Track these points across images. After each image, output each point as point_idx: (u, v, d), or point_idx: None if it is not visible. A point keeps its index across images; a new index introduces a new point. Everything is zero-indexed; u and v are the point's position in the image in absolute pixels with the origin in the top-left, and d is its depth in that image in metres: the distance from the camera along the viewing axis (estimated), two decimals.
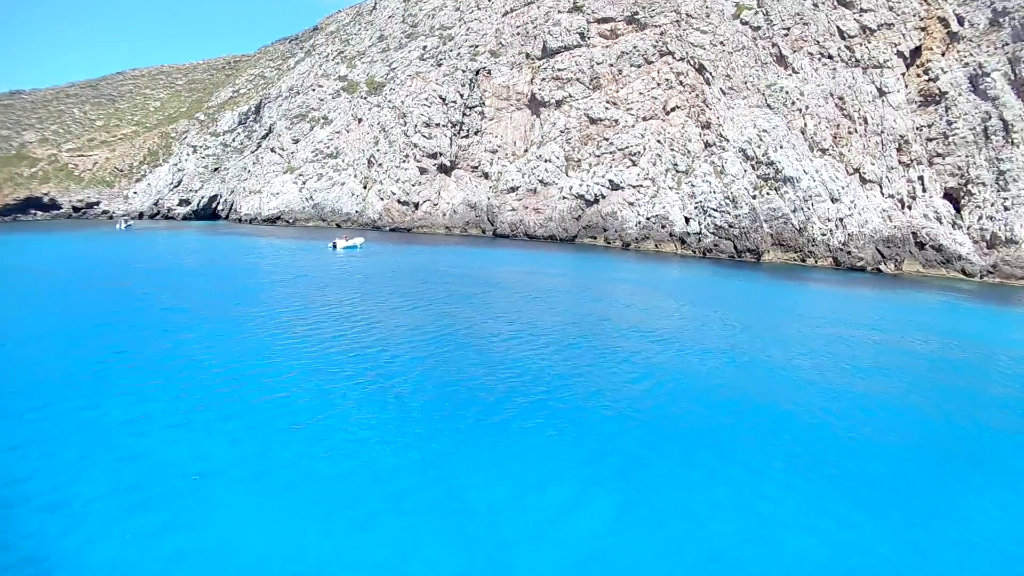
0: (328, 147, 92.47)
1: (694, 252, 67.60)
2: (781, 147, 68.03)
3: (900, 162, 67.94)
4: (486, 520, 11.32)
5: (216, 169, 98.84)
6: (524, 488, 12.55)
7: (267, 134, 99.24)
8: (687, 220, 69.06)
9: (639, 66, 76.18)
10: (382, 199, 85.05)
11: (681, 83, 73.67)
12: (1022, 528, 12.48)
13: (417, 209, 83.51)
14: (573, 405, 17.24)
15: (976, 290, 57.45)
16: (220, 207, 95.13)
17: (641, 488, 12.80)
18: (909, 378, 23.09)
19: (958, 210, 66.69)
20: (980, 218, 65.27)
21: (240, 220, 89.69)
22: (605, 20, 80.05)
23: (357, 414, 15.68)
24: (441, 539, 10.71)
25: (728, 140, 69.89)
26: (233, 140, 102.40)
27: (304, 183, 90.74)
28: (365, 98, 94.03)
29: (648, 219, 70.43)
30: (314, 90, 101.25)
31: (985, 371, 26.02)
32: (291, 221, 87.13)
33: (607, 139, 74.46)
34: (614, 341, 25.26)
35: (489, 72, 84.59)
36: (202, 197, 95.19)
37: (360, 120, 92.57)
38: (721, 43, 73.81)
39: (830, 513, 12.40)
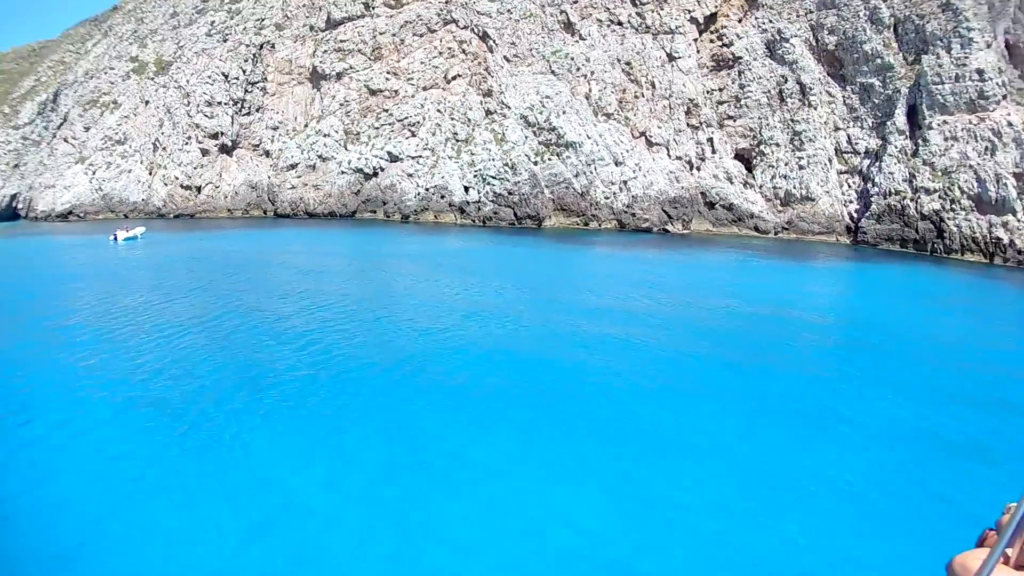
0: (117, 133, 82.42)
1: (474, 221, 61.58)
2: (564, 113, 63.34)
3: (689, 125, 64.49)
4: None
5: (16, 166, 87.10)
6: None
7: (62, 123, 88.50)
8: (466, 189, 62.97)
9: (422, 35, 70.82)
10: (166, 185, 75.79)
11: (464, 51, 68.61)
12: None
13: (199, 193, 74.61)
14: (356, 375, 18.20)
15: (770, 246, 58.43)
16: (20, 206, 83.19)
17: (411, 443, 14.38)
18: (678, 328, 24.88)
19: (750, 170, 63.73)
20: (773, 177, 62.95)
21: (37, 219, 78.32)
22: None
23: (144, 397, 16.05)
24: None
25: (510, 107, 64.77)
26: (32, 132, 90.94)
27: (94, 173, 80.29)
28: (152, 79, 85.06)
29: (427, 190, 63.98)
30: (106, 73, 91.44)
31: (773, 321, 27.75)
32: (82, 215, 76.45)
33: (387, 110, 68.17)
34: (394, 314, 25.48)
35: (273, 46, 77.54)
36: (3, 196, 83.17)
37: (147, 103, 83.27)
38: (508, 11, 69.43)
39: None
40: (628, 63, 65.69)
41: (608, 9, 67.85)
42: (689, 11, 66.76)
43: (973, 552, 2.24)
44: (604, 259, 46.51)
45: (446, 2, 71.84)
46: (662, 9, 66.98)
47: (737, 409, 17.25)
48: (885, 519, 12.30)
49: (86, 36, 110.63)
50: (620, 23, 67.23)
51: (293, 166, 70.69)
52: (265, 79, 77.00)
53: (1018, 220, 65.68)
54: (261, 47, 78.93)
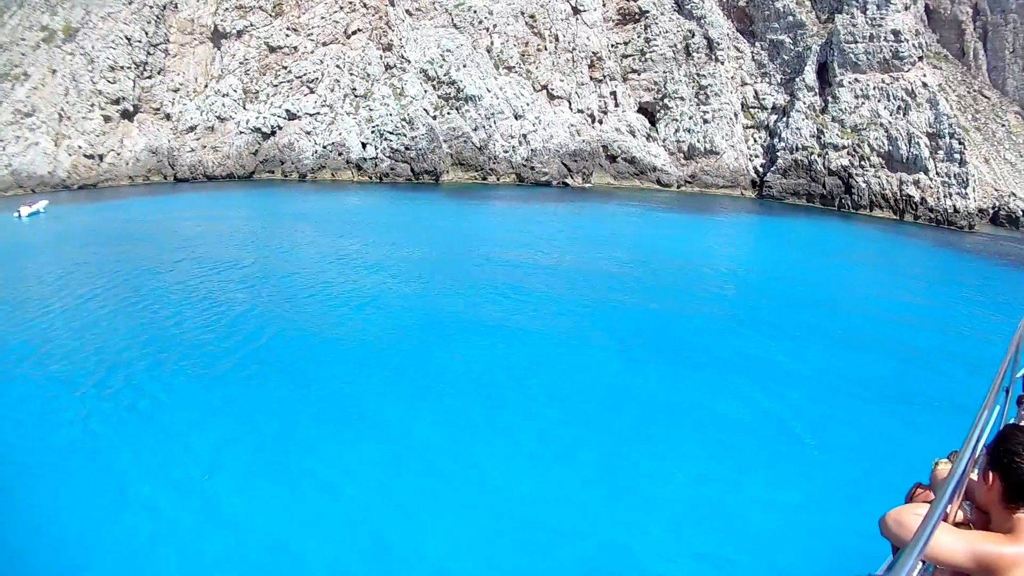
0: (26, 106, 79.25)
1: (371, 178, 59.89)
2: (465, 66, 61.62)
3: (592, 78, 63.12)
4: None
5: None
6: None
7: None
8: (364, 145, 61.15)
9: None
10: (70, 155, 72.90)
11: (365, 5, 66.51)
12: None
13: (102, 161, 71.86)
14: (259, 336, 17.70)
15: (673, 199, 57.76)
16: None
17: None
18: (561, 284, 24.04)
19: (653, 124, 62.57)
20: (677, 131, 61.98)
21: None
22: None
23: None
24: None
25: (410, 62, 62.98)
26: None
27: (4, 149, 77.11)
28: (60, 47, 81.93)
29: (325, 147, 62.04)
30: (18, 45, 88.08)
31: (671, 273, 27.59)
32: None
33: (285, 67, 65.98)
34: (293, 275, 24.26)
35: (176, 6, 74.89)
36: None
37: (55, 72, 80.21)
38: None
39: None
40: (532, 16, 64.10)
41: None
42: None
43: (906, 508, 2.36)
44: (504, 213, 45.95)
45: None
46: None
47: (646, 357, 17.31)
48: (805, 461, 12.47)
49: (3, 8, 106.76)
50: None
51: (192, 128, 68.28)
52: (168, 40, 74.36)
53: (930, 179, 65.47)
54: (164, 7, 76.22)
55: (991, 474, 2.83)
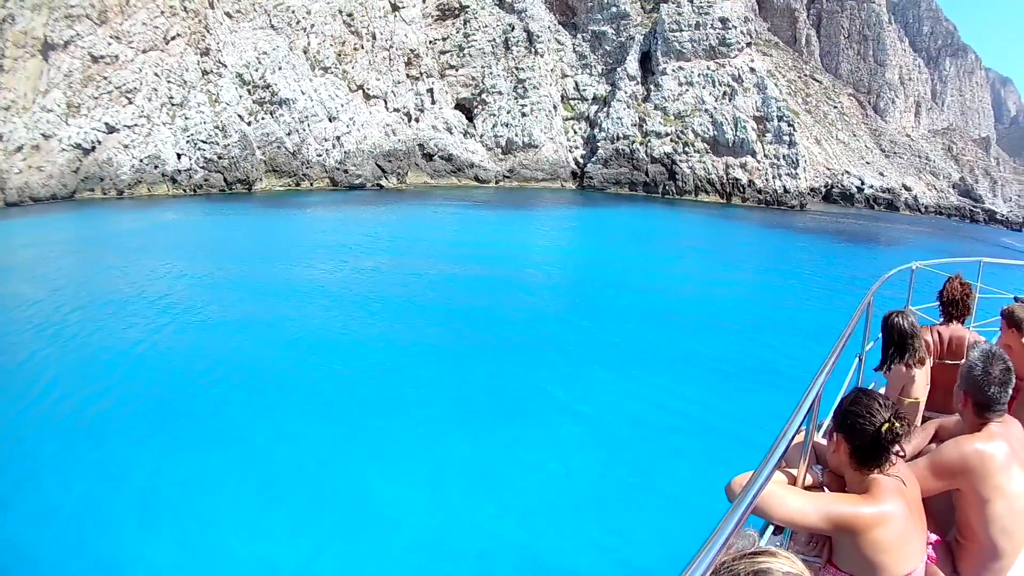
0: None
1: (185, 190, 59.04)
2: (280, 68, 60.79)
3: (409, 76, 62.42)
4: None
5: None
6: None
7: None
8: (179, 156, 60.37)
9: None
10: None
11: (185, 9, 65.35)
12: None
13: None
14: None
15: (492, 195, 57.41)
16: None
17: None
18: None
19: (471, 119, 61.98)
20: (495, 126, 61.65)
21: None
22: None
23: None
24: None
25: (226, 66, 62.04)
26: None
27: None
28: None
29: (141, 161, 61.19)
30: None
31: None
32: None
33: (106, 78, 64.83)
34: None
35: (13, 19, 73.42)
36: None
37: None
38: None
39: None
40: (350, 14, 63.18)
41: None
42: None
43: (748, 474, 2.31)
44: (309, 222, 43.62)
45: None
46: None
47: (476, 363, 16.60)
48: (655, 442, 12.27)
49: None
50: None
51: (20, 148, 67.15)
52: (3, 55, 72.97)
53: (757, 161, 65.58)
54: (3, 20, 74.74)
55: (836, 436, 2.90)
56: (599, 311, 21.37)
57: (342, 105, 59.92)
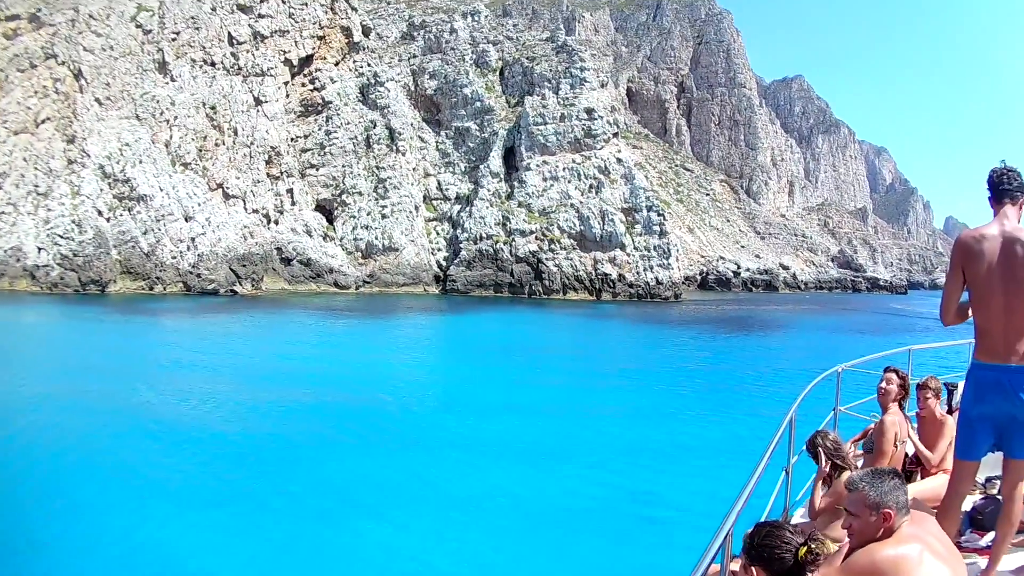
0: None
1: (42, 288, 59.86)
2: (141, 162, 61.33)
3: (269, 175, 62.95)
4: None
5: None
6: None
7: None
8: (39, 250, 61.13)
9: (24, 71, 67.25)
10: None
11: (57, 91, 65.45)
12: None
13: None
14: None
15: (352, 303, 55.28)
16: None
17: None
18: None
19: (331, 221, 62.46)
20: (355, 228, 62.21)
21: None
22: (12, 18, 70.55)
23: None
24: None
25: (90, 156, 62.55)
26: None
27: None
28: None
29: (5, 251, 61.94)
30: None
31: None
32: None
33: None
34: None
35: None
36: None
37: None
38: (111, 47, 65.98)
39: None
40: (213, 107, 63.36)
41: (204, 48, 64.98)
42: (284, 52, 64.10)
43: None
44: (144, 333, 38.52)
45: (53, 34, 68.05)
46: (257, 49, 64.11)
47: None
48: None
49: None
50: (214, 64, 64.53)
51: None
52: None
53: (627, 254, 65.86)
54: None
55: (755, 569, 3.04)
56: (445, 453, 17.10)
57: (199, 204, 60.54)
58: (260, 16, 64.49)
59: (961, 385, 6.12)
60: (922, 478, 5.96)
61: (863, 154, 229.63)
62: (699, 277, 77.11)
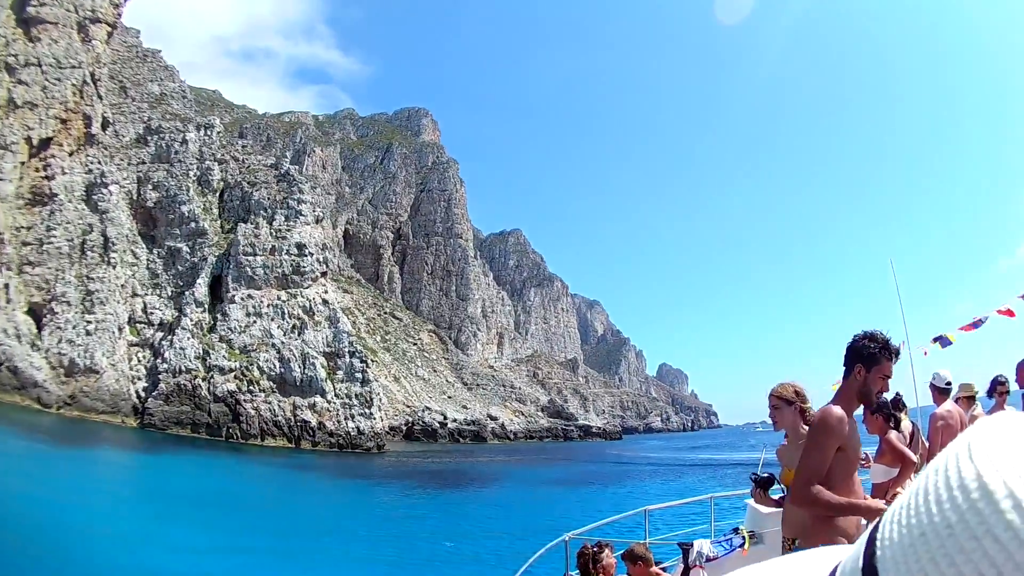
0: None
1: None
2: None
3: None
4: None
5: None
6: None
7: None
8: None
9: None
10: None
11: None
12: None
13: None
14: None
15: (49, 426, 47.79)
16: None
17: None
18: None
19: (40, 329, 57.21)
20: (60, 341, 57.58)
21: None
22: None
23: None
24: None
25: None
26: None
27: None
28: None
29: None
30: None
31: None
32: None
33: None
34: None
35: None
36: None
37: None
38: None
39: None
40: None
41: None
42: (29, 128, 58.66)
43: None
44: None
45: None
46: (8, 118, 56.63)
47: None
48: None
49: None
50: None
51: None
52: None
53: (328, 401, 63.53)
54: None
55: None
56: None
57: None
58: (20, 81, 57.07)
59: (696, 544, 5.73)
60: None
61: (575, 307, 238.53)
62: (404, 428, 78.97)
